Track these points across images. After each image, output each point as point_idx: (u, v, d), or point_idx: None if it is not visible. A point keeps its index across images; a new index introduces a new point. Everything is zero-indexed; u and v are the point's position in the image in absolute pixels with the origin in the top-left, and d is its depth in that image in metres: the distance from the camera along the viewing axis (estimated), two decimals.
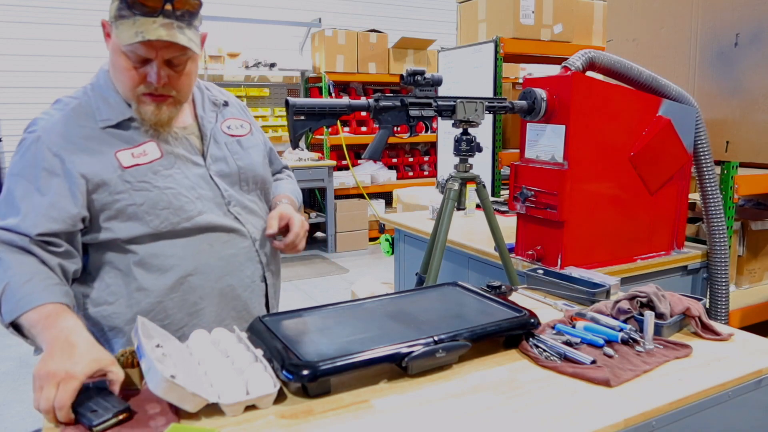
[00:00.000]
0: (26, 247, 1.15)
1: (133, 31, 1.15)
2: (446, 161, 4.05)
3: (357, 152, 6.50)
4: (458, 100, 1.68)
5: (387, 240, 4.79)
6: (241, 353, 1.05)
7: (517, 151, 1.96)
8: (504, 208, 2.69)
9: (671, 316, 1.25)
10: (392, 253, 3.74)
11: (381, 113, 1.61)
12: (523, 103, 1.79)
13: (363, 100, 1.58)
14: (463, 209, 1.90)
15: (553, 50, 3.67)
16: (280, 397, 0.97)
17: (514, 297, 1.50)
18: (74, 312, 1.11)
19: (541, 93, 1.78)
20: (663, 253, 2.06)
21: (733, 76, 2.33)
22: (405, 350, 1.03)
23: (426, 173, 6.85)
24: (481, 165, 3.43)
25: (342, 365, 0.98)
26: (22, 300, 1.07)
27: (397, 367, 1.05)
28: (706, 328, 1.27)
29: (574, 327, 1.24)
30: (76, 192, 1.20)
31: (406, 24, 7.00)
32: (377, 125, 1.63)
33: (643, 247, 2.02)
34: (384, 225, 3.64)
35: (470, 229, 2.45)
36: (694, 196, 2.25)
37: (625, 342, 1.18)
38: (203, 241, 1.31)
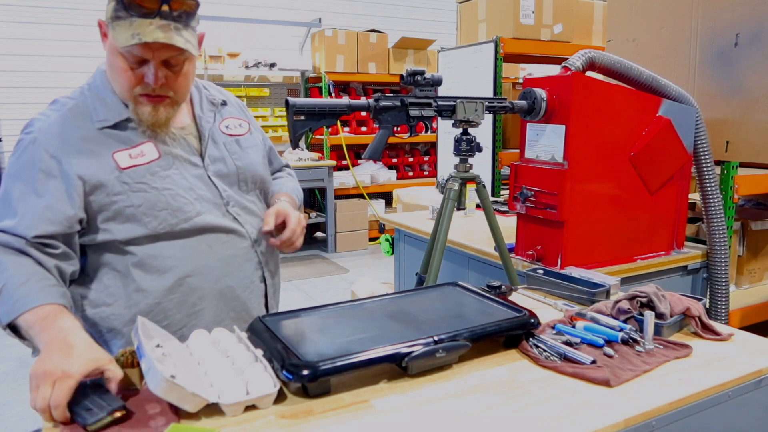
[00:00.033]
0: (23, 249, 1.14)
1: (130, 33, 1.14)
2: (446, 161, 4.05)
3: (357, 152, 6.50)
4: (458, 100, 1.68)
5: (387, 240, 4.79)
6: (241, 353, 1.05)
7: (517, 151, 1.96)
8: (504, 208, 2.69)
9: (671, 316, 1.25)
10: (392, 253, 3.74)
11: (381, 113, 1.61)
12: (523, 103, 1.79)
13: (363, 100, 1.58)
14: (463, 209, 1.90)
15: (553, 50, 3.67)
16: (280, 397, 0.97)
17: (514, 297, 1.50)
18: (72, 313, 1.10)
19: (541, 93, 1.78)
20: (663, 253, 2.06)
21: (733, 76, 2.33)
22: (405, 350, 1.03)
23: (426, 173, 6.85)
24: (481, 165, 3.43)
25: (342, 365, 0.98)
26: (18, 301, 1.07)
27: (397, 367, 1.05)
28: (706, 328, 1.27)
29: (574, 327, 1.24)
30: (73, 193, 1.19)
31: (406, 24, 7.00)
32: (377, 125, 1.63)
33: (643, 247, 2.02)
34: (384, 225, 3.64)
35: (470, 229, 2.44)
36: (694, 196, 2.25)
37: (625, 342, 1.18)
38: (202, 242, 1.30)
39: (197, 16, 1.23)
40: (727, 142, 2.37)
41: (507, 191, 2.41)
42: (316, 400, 0.98)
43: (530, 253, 1.90)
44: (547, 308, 1.44)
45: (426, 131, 1.72)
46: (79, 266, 1.25)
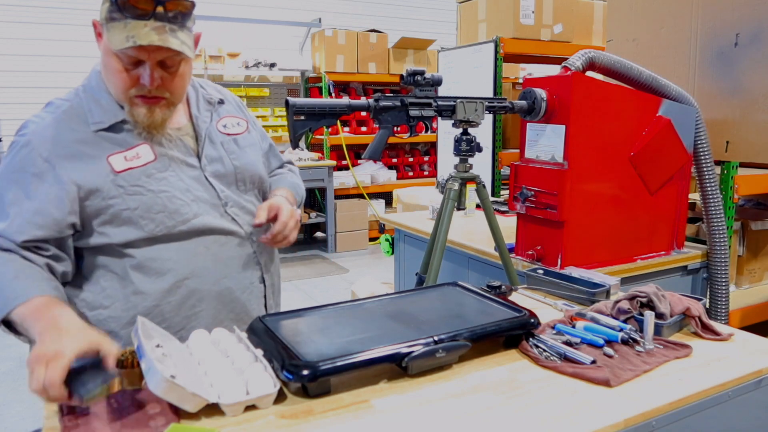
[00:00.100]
0: (12, 250, 1.15)
1: (125, 35, 1.13)
2: (446, 161, 4.05)
3: (357, 152, 6.50)
4: (458, 100, 1.68)
5: (387, 240, 4.79)
6: (241, 353, 1.05)
7: (517, 151, 1.96)
8: (504, 208, 2.69)
9: (671, 316, 1.25)
10: (392, 253, 3.74)
11: (381, 113, 1.61)
12: (523, 103, 1.79)
13: (363, 100, 1.58)
14: (463, 209, 1.90)
15: (553, 50, 3.67)
16: (280, 397, 0.97)
17: (514, 297, 1.50)
18: (65, 304, 1.11)
19: (541, 93, 1.78)
20: (663, 253, 2.06)
21: (733, 76, 2.33)
22: (405, 350, 1.03)
23: (426, 173, 6.85)
24: (481, 165, 3.43)
25: (342, 365, 0.98)
26: (10, 296, 1.07)
27: (397, 367, 1.05)
28: (706, 328, 1.27)
29: (574, 327, 1.24)
30: (65, 199, 1.18)
31: (406, 24, 7.00)
32: (377, 125, 1.63)
33: (643, 247, 2.02)
34: (384, 225, 3.64)
35: (470, 229, 2.44)
36: (694, 196, 2.25)
37: (625, 342, 1.18)
38: (200, 243, 1.29)
39: (193, 17, 1.22)
40: (727, 142, 2.37)
41: (507, 191, 2.41)
42: (316, 400, 0.98)
43: (530, 253, 1.90)
44: (547, 308, 1.44)
45: (426, 131, 1.72)
46: (71, 267, 1.24)
